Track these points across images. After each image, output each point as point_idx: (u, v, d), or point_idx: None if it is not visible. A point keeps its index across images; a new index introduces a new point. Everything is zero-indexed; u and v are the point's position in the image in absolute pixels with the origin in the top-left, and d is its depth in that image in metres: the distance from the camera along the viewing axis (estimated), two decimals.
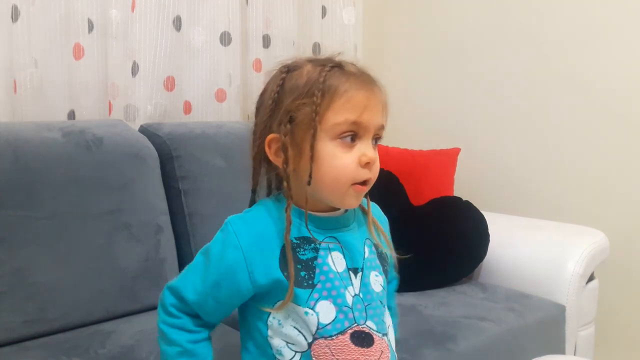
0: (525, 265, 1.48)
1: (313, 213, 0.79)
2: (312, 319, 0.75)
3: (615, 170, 1.65)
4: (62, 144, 1.22)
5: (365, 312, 0.78)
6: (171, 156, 1.40)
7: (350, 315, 0.77)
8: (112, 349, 1.07)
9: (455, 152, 1.78)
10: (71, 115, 1.52)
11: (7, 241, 1.10)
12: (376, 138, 0.78)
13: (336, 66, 0.76)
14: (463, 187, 1.77)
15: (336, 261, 0.78)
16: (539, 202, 1.80)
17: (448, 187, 1.73)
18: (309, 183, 0.74)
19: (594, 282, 1.52)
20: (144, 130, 1.47)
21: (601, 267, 1.51)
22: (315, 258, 0.77)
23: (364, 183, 0.76)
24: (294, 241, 0.76)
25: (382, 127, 0.78)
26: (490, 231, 1.51)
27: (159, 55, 1.63)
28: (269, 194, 0.85)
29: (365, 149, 0.75)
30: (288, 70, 0.78)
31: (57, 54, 1.48)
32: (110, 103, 1.56)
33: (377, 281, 0.82)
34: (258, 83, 1.84)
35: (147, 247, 1.28)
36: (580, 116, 1.70)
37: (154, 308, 1.27)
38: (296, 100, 0.75)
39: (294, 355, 0.75)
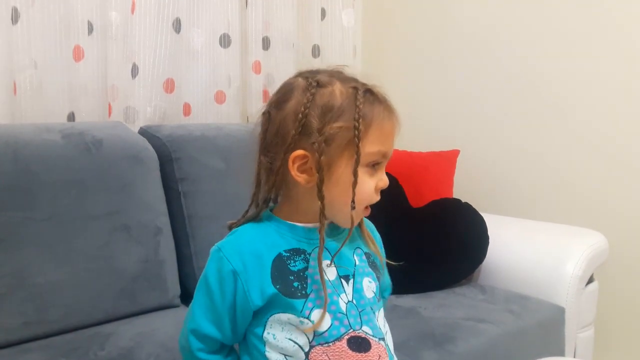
0: (524, 267, 1.48)
1: (300, 224, 0.80)
2: (307, 327, 0.76)
3: (614, 173, 1.65)
4: (62, 146, 1.22)
5: (360, 317, 0.79)
6: (171, 158, 1.40)
7: (346, 321, 0.78)
8: (111, 351, 1.07)
9: (455, 154, 1.79)
10: (71, 117, 1.52)
11: (6, 242, 1.10)
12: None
13: (369, 91, 0.77)
14: (462, 189, 1.77)
15: (327, 270, 0.79)
16: (539, 204, 1.80)
17: (447, 189, 1.73)
18: (353, 208, 0.75)
19: (594, 284, 1.52)
20: (143, 132, 1.47)
21: (600, 269, 1.51)
22: (307, 268, 0.77)
23: (370, 205, 0.80)
24: (284, 254, 0.78)
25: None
26: (489, 233, 1.51)
27: (159, 57, 1.63)
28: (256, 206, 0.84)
29: (383, 175, 0.79)
30: (318, 85, 0.77)
31: (56, 56, 1.48)
32: (109, 105, 1.56)
33: (369, 287, 0.82)
34: (258, 85, 1.84)
35: (147, 249, 1.28)
36: (579, 118, 1.70)
37: (154, 310, 1.28)
38: (333, 123, 0.74)
39: None
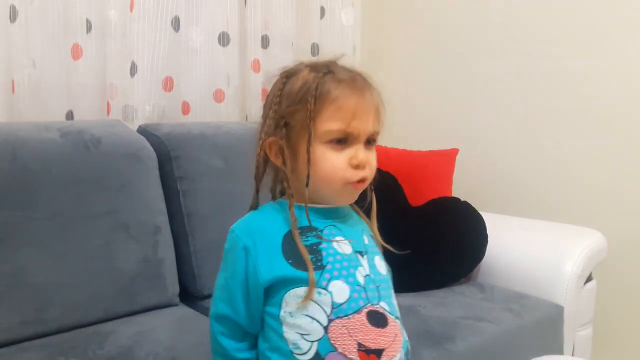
0: (523, 266, 1.48)
1: (313, 205, 0.81)
2: (326, 299, 0.75)
3: (613, 171, 1.65)
4: (61, 144, 1.22)
5: (378, 292, 0.80)
6: (170, 157, 1.40)
7: (364, 294, 0.77)
8: (110, 350, 1.07)
9: (454, 152, 1.79)
10: (69, 115, 1.52)
11: (5, 241, 1.10)
12: (370, 140, 0.81)
13: (329, 72, 0.80)
14: (461, 188, 1.77)
15: (342, 245, 0.80)
16: (537, 202, 1.80)
17: (446, 187, 1.73)
18: (307, 184, 0.78)
19: (592, 283, 1.52)
20: (142, 130, 1.46)
21: (599, 267, 1.51)
22: (320, 243, 0.79)
23: (359, 182, 0.79)
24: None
25: (373, 134, 0.81)
26: (488, 232, 1.51)
27: (158, 55, 1.63)
28: (273, 199, 0.88)
29: (356, 152, 0.78)
30: (287, 75, 0.82)
31: (55, 54, 1.48)
32: (108, 103, 1.56)
33: (381, 265, 0.84)
34: (257, 83, 1.84)
35: (146, 248, 1.28)
36: (578, 117, 1.71)
37: (152, 309, 1.28)
38: (291, 106, 0.79)
39: (311, 346, 0.75)
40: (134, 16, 1.57)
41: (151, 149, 1.38)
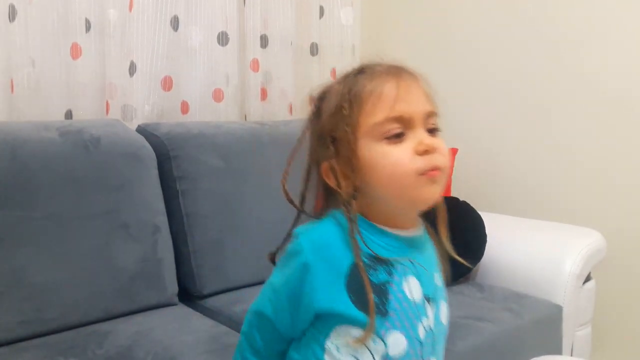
0: (522, 266, 1.49)
1: (388, 229, 0.71)
2: (379, 348, 0.68)
3: (612, 171, 1.65)
4: (60, 144, 1.22)
5: (433, 347, 0.73)
6: (169, 156, 1.40)
7: (419, 350, 0.70)
8: (109, 349, 1.07)
9: (453, 152, 1.79)
10: (68, 114, 1.52)
11: (4, 241, 1.10)
12: (431, 129, 0.71)
13: (360, 72, 0.73)
14: (460, 188, 1.77)
15: (412, 287, 0.70)
16: (537, 202, 1.81)
17: (445, 187, 1.73)
18: (354, 197, 0.69)
19: (591, 283, 1.52)
20: (141, 130, 1.46)
21: (598, 267, 1.51)
22: (389, 282, 0.69)
23: (433, 169, 0.68)
24: (365, 261, 0.68)
25: (430, 114, 0.72)
26: (487, 231, 1.51)
27: (157, 55, 1.63)
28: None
29: (419, 136, 0.69)
30: (319, 97, 0.75)
31: (54, 54, 1.47)
32: (107, 103, 1.56)
33: (444, 313, 0.76)
34: (256, 83, 1.84)
35: (145, 247, 1.28)
36: (576, 117, 1.71)
37: (152, 308, 1.28)
38: (331, 121, 0.71)
39: None
40: (133, 15, 1.57)
41: (150, 148, 1.38)
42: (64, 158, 1.21)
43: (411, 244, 0.72)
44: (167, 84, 1.67)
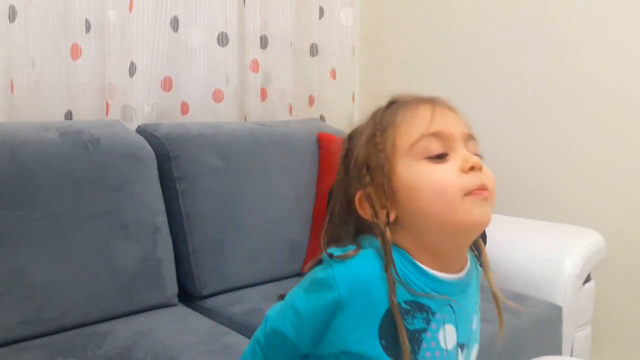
0: (522, 266, 1.49)
1: (432, 271, 0.65)
2: None
3: (612, 171, 1.65)
4: (60, 144, 1.22)
5: None
6: (169, 157, 1.40)
7: None
8: (109, 350, 1.07)
9: None
10: (68, 115, 1.52)
11: (4, 241, 1.10)
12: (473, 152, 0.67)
13: (389, 105, 0.70)
14: None
15: (447, 336, 0.66)
16: (536, 202, 1.81)
17: None
18: (387, 223, 0.64)
19: (591, 283, 1.52)
20: (141, 130, 1.46)
21: (598, 268, 1.51)
22: (425, 330, 0.64)
23: (481, 188, 0.64)
24: (403, 305, 0.63)
25: (470, 137, 0.67)
26: (487, 232, 1.51)
27: (157, 55, 1.63)
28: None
29: (464, 155, 0.64)
30: (349, 138, 0.72)
31: (54, 54, 1.48)
32: (107, 103, 1.56)
33: (474, 356, 0.73)
34: (255, 83, 1.84)
35: (145, 248, 1.28)
36: (576, 117, 1.71)
37: (151, 309, 1.28)
38: (364, 151, 0.67)
39: None
40: (133, 16, 1.57)
41: (150, 149, 1.38)
42: (64, 158, 1.21)
43: (455, 287, 0.67)
44: (167, 84, 1.67)
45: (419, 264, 0.65)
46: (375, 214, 0.65)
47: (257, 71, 1.84)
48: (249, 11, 1.80)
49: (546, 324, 1.38)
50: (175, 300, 1.34)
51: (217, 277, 1.40)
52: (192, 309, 1.34)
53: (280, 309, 0.71)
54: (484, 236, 1.50)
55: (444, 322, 0.65)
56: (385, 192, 0.64)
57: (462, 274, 0.68)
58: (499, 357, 1.25)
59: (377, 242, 0.65)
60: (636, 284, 1.64)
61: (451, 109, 0.68)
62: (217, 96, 1.77)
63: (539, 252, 1.48)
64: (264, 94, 1.88)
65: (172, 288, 1.33)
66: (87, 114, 1.53)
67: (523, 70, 1.81)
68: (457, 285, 0.67)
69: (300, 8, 1.95)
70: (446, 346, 0.65)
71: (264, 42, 1.86)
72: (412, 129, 0.65)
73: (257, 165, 1.50)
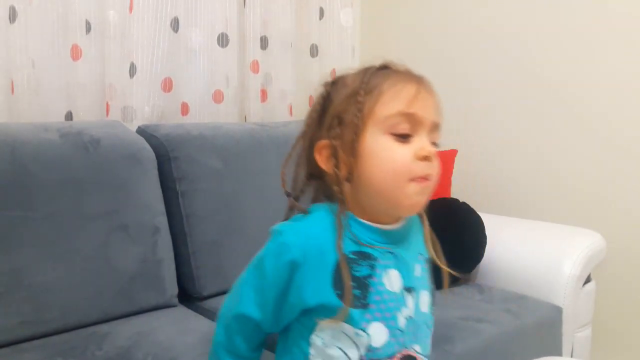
0: (522, 267, 1.49)
1: (371, 224, 0.74)
2: (363, 340, 0.71)
3: (612, 172, 1.65)
4: (60, 145, 1.22)
5: (415, 335, 0.75)
6: (168, 157, 1.40)
7: (401, 339, 0.73)
8: (109, 351, 1.07)
9: (453, 153, 1.79)
10: (68, 116, 1.52)
11: (4, 242, 1.10)
12: (432, 143, 0.73)
13: (381, 67, 0.75)
14: (460, 189, 1.77)
15: (393, 280, 0.73)
16: (536, 203, 1.81)
17: (445, 188, 1.73)
18: (348, 180, 0.72)
19: (591, 284, 1.52)
20: (141, 131, 1.46)
21: (598, 269, 1.51)
22: (371, 276, 0.72)
23: (425, 178, 0.71)
24: (350, 256, 0.71)
25: (437, 126, 0.74)
26: (487, 233, 1.51)
27: (157, 56, 1.63)
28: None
29: (423, 143, 0.71)
30: (332, 84, 0.77)
31: (54, 55, 1.48)
32: (107, 104, 1.56)
33: (425, 302, 0.79)
34: (255, 84, 1.84)
35: (145, 248, 1.28)
36: (577, 118, 1.71)
37: (151, 309, 1.28)
38: (342, 103, 0.73)
39: None
40: (133, 17, 1.57)
41: (150, 149, 1.38)
42: (64, 159, 1.21)
43: (393, 238, 0.75)
44: (167, 85, 1.67)
45: (358, 218, 0.73)
46: (337, 166, 0.72)
47: (257, 72, 1.84)
48: (249, 12, 1.80)
49: (546, 325, 1.38)
50: (175, 301, 1.34)
51: (217, 277, 1.40)
52: (192, 309, 1.34)
53: (233, 297, 0.79)
54: (483, 238, 1.50)
55: (386, 268, 0.73)
56: (351, 149, 0.70)
57: (397, 225, 0.76)
58: (500, 358, 1.25)
59: (326, 206, 0.74)
60: (636, 285, 1.64)
61: (432, 94, 0.74)
62: (217, 97, 1.77)
63: (539, 253, 1.48)
64: (264, 95, 1.88)
65: (172, 289, 1.33)
66: (87, 114, 1.54)
67: (523, 71, 1.81)
68: (393, 234, 0.75)
69: (301, 9, 1.95)
70: (393, 288, 0.73)
71: (264, 42, 1.86)
72: (393, 102, 0.71)
73: (257, 166, 1.50)
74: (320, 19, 2.01)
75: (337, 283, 0.69)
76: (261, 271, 0.74)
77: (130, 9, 1.56)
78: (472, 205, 1.54)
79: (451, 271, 0.81)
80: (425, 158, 0.71)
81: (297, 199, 0.78)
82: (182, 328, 1.18)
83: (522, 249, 1.52)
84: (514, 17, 1.82)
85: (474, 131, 1.94)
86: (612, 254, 1.55)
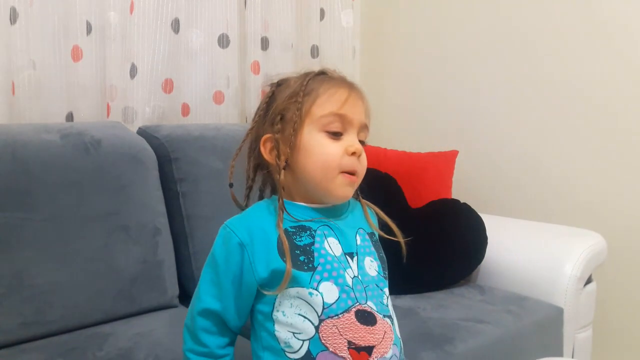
0: (523, 268, 1.48)
1: (306, 204, 0.85)
2: (317, 300, 0.78)
3: (613, 173, 1.65)
4: (61, 146, 1.22)
5: (365, 292, 0.82)
6: (169, 158, 1.40)
7: (352, 294, 0.80)
8: (109, 352, 1.07)
9: (454, 154, 1.79)
10: (69, 117, 1.52)
11: (4, 243, 1.10)
12: (360, 141, 0.84)
13: (320, 73, 0.86)
14: (461, 190, 1.77)
15: (333, 246, 0.82)
16: (537, 204, 1.81)
17: (446, 189, 1.73)
18: (284, 168, 0.82)
19: (592, 285, 1.52)
20: (142, 132, 1.47)
21: (599, 269, 1.51)
22: (313, 243, 0.81)
23: (352, 174, 0.82)
24: (290, 229, 0.81)
25: (365, 127, 0.85)
26: (488, 233, 1.51)
27: (157, 57, 1.64)
28: (261, 199, 0.92)
29: (352, 141, 0.82)
30: (277, 85, 0.89)
31: (55, 56, 1.48)
32: (108, 105, 1.56)
33: (372, 266, 0.86)
34: (256, 85, 1.84)
35: (145, 249, 1.28)
36: (577, 119, 1.71)
37: (152, 310, 1.28)
38: (284, 102, 0.84)
39: (302, 344, 0.77)
40: (134, 18, 1.57)
41: (151, 150, 1.38)
42: (65, 160, 1.21)
43: (326, 213, 0.85)
44: (167, 86, 1.67)
45: (294, 201, 0.85)
46: (278, 156, 0.83)
47: (258, 73, 1.84)
48: (249, 13, 1.81)
49: (547, 326, 1.38)
50: (176, 301, 1.34)
51: None
52: None
53: (193, 298, 0.86)
54: (484, 239, 1.50)
55: (325, 236, 0.83)
56: (289, 143, 0.82)
57: (328, 205, 0.86)
58: (501, 359, 1.25)
59: (265, 200, 0.88)
60: (637, 285, 1.64)
61: (362, 99, 0.85)
62: (218, 98, 1.77)
63: (540, 253, 1.48)
64: (264, 95, 1.88)
65: (173, 289, 1.33)
66: (88, 115, 1.54)
67: (523, 72, 1.81)
68: (326, 210, 0.85)
69: (301, 10, 1.95)
70: (334, 253, 0.82)
71: (264, 43, 1.87)
72: (327, 104, 0.82)
73: None
74: (320, 20, 2.01)
75: (282, 252, 0.79)
76: (214, 263, 0.83)
77: (131, 10, 1.57)
78: (473, 206, 1.54)
79: (389, 237, 0.92)
80: (353, 154, 0.82)
81: (250, 188, 0.91)
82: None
83: (523, 249, 1.52)
84: (515, 17, 1.83)
85: (474, 132, 1.94)
86: (613, 254, 1.55)
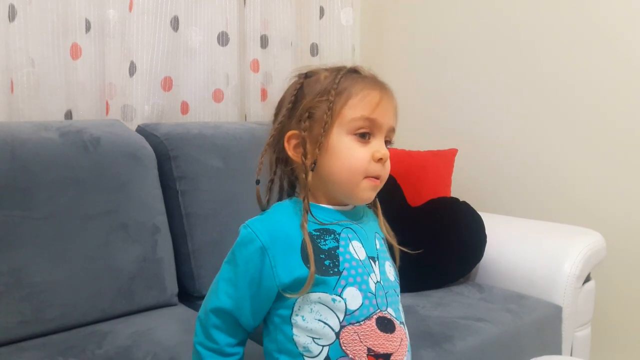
0: (522, 266, 1.49)
1: (329, 206, 0.84)
2: (340, 305, 0.77)
3: (612, 171, 1.65)
4: (60, 144, 1.22)
5: (386, 299, 0.81)
6: (168, 156, 1.40)
7: (374, 301, 0.79)
8: (108, 350, 1.07)
9: (453, 152, 1.79)
10: (68, 115, 1.52)
11: (3, 241, 1.10)
12: (387, 141, 0.83)
13: (352, 71, 0.83)
14: (460, 188, 1.77)
15: (357, 250, 0.81)
16: (536, 203, 1.81)
17: (445, 187, 1.73)
18: (312, 169, 0.79)
19: (591, 283, 1.52)
20: (141, 130, 1.46)
21: (598, 268, 1.51)
22: (337, 247, 0.79)
23: (376, 178, 0.81)
24: (314, 233, 0.79)
25: (392, 130, 0.83)
26: (487, 232, 1.51)
27: (157, 55, 1.63)
28: (280, 198, 0.89)
29: (379, 146, 0.81)
30: (306, 76, 0.85)
31: (54, 54, 1.47)
32: (107, 103, 1.56)
33: (390, 271, 0.86)
34: (255, 83, 1.84)
35: (144, 248, 1.28)
36: (577, 117, 1.71)
37: (151, 309, 1.28)
38: (314, 99, 0.81)
39: (322, 350, 0.76)
40: (133, 16, 1.57)
41: (150, 148, 1.38)
42: (64, 158, 1.21)
43: (349, 215, 0.84)
44: (167, 84, 1.67)
45: (319, 203, 0.83)
46: (305, 155, 0.80)
47: (258, 71, 1.84)
48: (249, 11, 1.80)
49: (546, 324, 1.38)
50: (175, 300, 1.34)
51: None
52: (192, 308, 1.34)
53: (209, 293, 0.84)
54: (483, 237, 1.50)
55: (350, 240, 0.81)
56: (318, 144, 0.79)
57: (350, 207, 0.86)
58: (500, 357, 1.26)
59: (287, 200, 0.85)
60: (636, 284, 1.64)
61: (392, 101, 0.84)
62: (217, 96, 1.77)
63: (539, 252, 1.48)
64: (264, 94, 1.88)
65: (172, 288, 1.33)
66: (87, 113, 1.53)
67: (523, 70, 1.81)
68: (349, 213, 0.85)
69: (301, 8, 1.95)
70: (359, 257, 0.80)
71: (264, 41, 1.86)
72: (359, 106, 0.80)
73: None
74: (320, 18, 2.00)
75: (306, 257, 0.76)
76: (233, 263, 0.81)
77: (130, 7, 1.56)
78: (472, 205, 1.54)
79: (402, 248, 0.91)
80: (380, 160, 0.80)
81: (272, 181, 0.87)
82: (182, 327, 1.18)
83: (522, 248, 1.52)
84: (515, 17, 1.82)
85: (474, 131, 1.94)
86: (612, 253, 1.55)
